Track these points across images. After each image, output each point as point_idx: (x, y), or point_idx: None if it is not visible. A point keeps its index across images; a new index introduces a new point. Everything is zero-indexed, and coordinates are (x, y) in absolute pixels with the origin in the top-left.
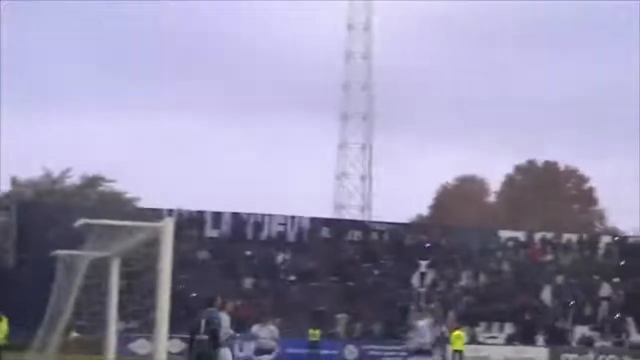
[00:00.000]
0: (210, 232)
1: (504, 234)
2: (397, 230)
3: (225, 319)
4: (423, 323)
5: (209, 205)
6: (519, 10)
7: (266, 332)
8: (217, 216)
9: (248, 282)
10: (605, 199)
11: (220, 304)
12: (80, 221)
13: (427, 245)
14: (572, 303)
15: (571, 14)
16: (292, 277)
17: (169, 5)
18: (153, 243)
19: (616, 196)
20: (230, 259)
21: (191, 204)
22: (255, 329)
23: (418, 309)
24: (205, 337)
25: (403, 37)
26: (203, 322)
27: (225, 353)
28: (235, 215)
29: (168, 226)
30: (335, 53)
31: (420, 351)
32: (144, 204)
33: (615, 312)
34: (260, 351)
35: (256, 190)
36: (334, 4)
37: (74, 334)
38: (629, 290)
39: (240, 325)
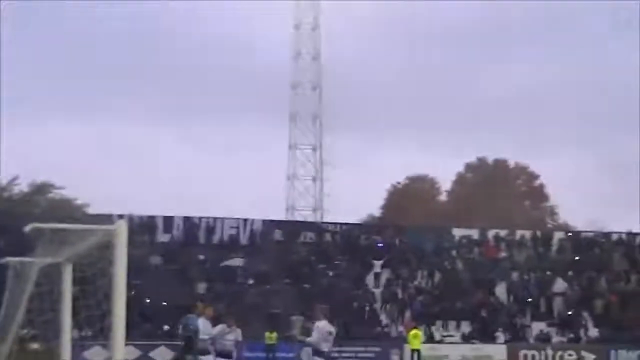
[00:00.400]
0: (162, 237)
1: (458, 232)
2: (350, 230)
3: (205, 324)
4: (318, 323)
5: (159, 210)
6: (467, 11)
7: (232, 335)
8: (169, 221)
9: (201, 287)
10: (556, 195)
11: (200, 310)
12: (30, 225)
13: (381, 245)
14: (529, 300)
15: (518, 13)
16: (246, 281)
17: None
18: (106, 247)
19: (567, 192)
20: (182, 264)
21: (142, 209)
22: (219, 328)
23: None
24: (181, 343)
25: (351, 37)
26: (180, 328)
27: None
28: (186, 219)
29: (121, 229)
30: (284, 53)
31: (316, 352)
32: (94, 210)
33: (571, 307)
34: (221, 354)
35: (207, 193)
36: (280, 4)
37: (34, 345)
38: (584, 286)
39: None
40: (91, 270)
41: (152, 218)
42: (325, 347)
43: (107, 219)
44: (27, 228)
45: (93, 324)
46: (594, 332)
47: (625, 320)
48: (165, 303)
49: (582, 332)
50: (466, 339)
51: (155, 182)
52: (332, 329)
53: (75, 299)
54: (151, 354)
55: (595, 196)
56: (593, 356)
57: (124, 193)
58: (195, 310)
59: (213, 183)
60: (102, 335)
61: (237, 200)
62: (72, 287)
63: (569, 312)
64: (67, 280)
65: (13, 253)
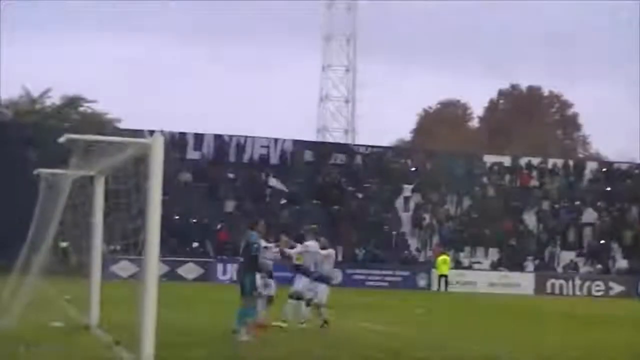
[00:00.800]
0: (192, 154)
1: (489, 158)
2: (382, 153)
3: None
4: (306, 242)
5: (191, 126)
6: None
7: (271, 254)
8: (199, 138)
9: (230, 205)
10: (589, 124)
11: (259, 227)
12: (64, 136)
13: (412, 169)
14: (559, 229)
15: None
16: (275, 200)
17: None
18: (140, 161)
19: (599, 121)
20: (212, 182)
21: (173, 126)
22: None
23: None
24: (243, 260)
25: None
26: (243, 244)
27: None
28: (217, 137)
29: (157, 142)
30: None
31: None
32: (125, 125)
33: (601, 237)
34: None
35: (238, 112)
36: None
37: (74, 258)
38: (615, 216)
39: (221, 249)
40: (125, 184)
41: (183, 135)
42: (313, 266)
43: (138, 134)
44: (61, 139)
45: (125, 238)
46: (622, 263)
47: None
48: (194, 220)
49: (610, 263)
50: (494, 266)
51: (187, 100)
52: (326, 246)
53: (107, 213)
54: (179, 270)
55: (628, 127)
56: (621, 287)
57: (155, 110)
58: (256, 228)
59: (244, 103)
60: (135, 250)
61: (269, 120)
62: (104, 201)
63: (601, 242)
64: (99, 193)
65: (45, 165)
